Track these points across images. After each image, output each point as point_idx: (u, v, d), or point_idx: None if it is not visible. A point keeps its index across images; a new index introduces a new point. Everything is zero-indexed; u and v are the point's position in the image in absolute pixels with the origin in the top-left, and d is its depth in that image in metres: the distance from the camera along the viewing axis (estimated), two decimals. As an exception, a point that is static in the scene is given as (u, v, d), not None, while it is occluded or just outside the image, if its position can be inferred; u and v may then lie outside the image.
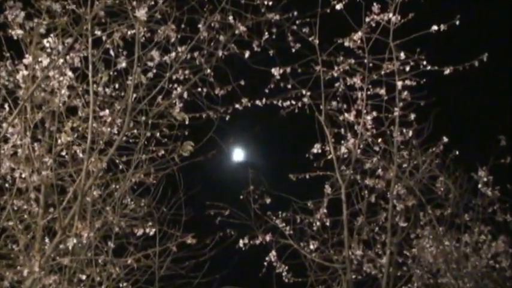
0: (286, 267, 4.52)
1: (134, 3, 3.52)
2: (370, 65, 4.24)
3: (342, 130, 4.40)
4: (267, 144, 5.88)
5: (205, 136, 3.95)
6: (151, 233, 3.74)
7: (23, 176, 3.37)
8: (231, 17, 3.89)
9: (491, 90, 5.99)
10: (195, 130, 4.13)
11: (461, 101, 5.60)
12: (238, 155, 5.26)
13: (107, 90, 3.86)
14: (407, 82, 4.24)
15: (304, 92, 4.39)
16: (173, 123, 3.97)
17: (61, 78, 3.36)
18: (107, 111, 3.58)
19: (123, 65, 3.65)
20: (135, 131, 3.88)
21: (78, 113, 3.72)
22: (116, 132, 3.69)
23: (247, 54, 4.03)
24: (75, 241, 3.13)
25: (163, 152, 3.97)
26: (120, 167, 3.82)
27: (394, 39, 4.12)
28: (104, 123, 3.57)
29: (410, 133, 4.36)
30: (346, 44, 4.18)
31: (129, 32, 3.61)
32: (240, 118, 4.50)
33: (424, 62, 4.16)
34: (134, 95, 3.63)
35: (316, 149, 4.47)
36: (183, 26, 3.78)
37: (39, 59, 3.27)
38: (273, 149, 6.09)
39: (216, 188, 5.38)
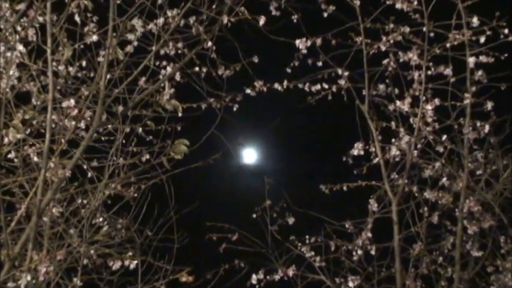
0: (317, 313, 4.57)
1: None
2: (432, 34, 4.21)
3: (393, 124, 4.38)
4: (288, 144, 5.94)
5: (204, 133, 3.96)
6: (132, 266, 3.78)
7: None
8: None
9: None
10: (191, 125, 4.21)
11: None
12: (249, 158, 5.38)
13: (70, 70, 3.88)
14: (483, 58, 4.20)
15: (340, 71, 4.38)
16: (161, 115, 4.00)
17: (8, 54, 3.37)
18: (71, 99, 3.58)
19: (94, 37, 3.67)
20: (110, 126, 3.91)
21: (31, 101, 3.75)
22: (84, 127, 3.74)
23: (262, 20, 4.01)
24: (28, 278, 3.13)
25: (147, 155, 4.00)
26: (90, 175, 3.85)
27: (463, -2, 4.09)
28: (67, 116, 3.59)
29: (487, 128, 4.33)
30: (398, 5, 4.17)
31: (101, -9, 3.66)
32: (253, 108, 4.57)
33: (505, 31, 4.12)
34: (108, 77, 3.68)
35: (357, 150, 4.47)
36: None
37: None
38: (296, 151, 6.12)
39: (219, 203, 5.46)
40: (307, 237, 4.63)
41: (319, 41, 4.29)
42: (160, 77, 4.03)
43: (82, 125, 3.71)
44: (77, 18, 3.66)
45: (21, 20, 3.53)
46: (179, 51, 4.06)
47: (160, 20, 3.84)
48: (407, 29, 4.24)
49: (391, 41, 4.28)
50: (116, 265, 3.81)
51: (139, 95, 3.87)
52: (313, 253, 4.58)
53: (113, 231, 4.00)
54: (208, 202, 4.67)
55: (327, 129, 5.64)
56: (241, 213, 4.81)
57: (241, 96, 4.34)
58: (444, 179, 4.41)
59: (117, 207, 3.97)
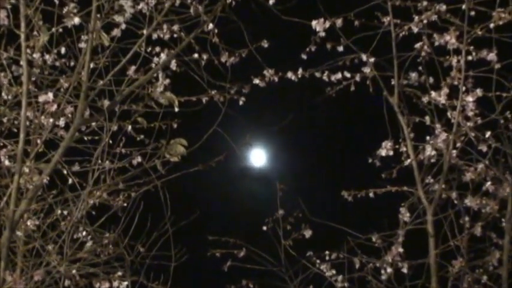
0: None
1: None
2: (472, 13, 4.18)
3: (427, 119, 4.36)
4: (303, 144, 6.01)
5: (205, 131, 3.96)
6: (121, 288, 3.79)
7: None
8: None
9: None
10: (189, 122, 4.27)
11: None
12: (258, 160, 5.47)
13: (47, 58, 3.91)
14: (533, 41, 4.18)
15: (364, 57, 4.37)
16: (154, 110, 4.02)
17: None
18: (49, 92, 3.56)
19: (75, 19, 3.65)
20: (94, 123, 3.92)
21: (1, 95, 3.80)
22: (64, 125, 3.79)
23: (272, -2, 4.04)
24: (0, 302, 3.16)
25: (138, 157, 4.04)
26: (71, 181, 3.88)
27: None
28: (43, 112, 3.59)
29: (538, 124, 4.33)
30: (432, -22, 4.17)
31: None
32: (262, 102, 4.64)
33: (562, 9, 4.09)
34: (92, 66, 3.68)
35: (385, 150, 4.45)
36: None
37: None
38: (313, 151, 6.17)
39: (223, 214, 5.56)
40: (327, 253, 4.63)
41: (339, 22, 4.29)
42: (153, 65, 4.04)
43: (61, 122, 3.76)
44: (55, -3, 3.66)
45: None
46: (175, 35, 4.08)
47: (153, -1, 3.85)
48: (444, 7, 4.22)
49: (425, 22, 4.26)
50: (103, 287, 3.85)
51: (128, 87, 3.85)
52: (334, 272, 4.59)
53: (99, 247, 4.02)
54: (210, 212, 4.79)
55: (349, 126, 5.69)
56: (249, 225, 4.88)
57: (249, 88, 4.35)
58: (488, 184, 4.37)
59: (103, 219, 3.98)
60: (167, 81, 4.04)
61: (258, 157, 5.47)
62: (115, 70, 3.78)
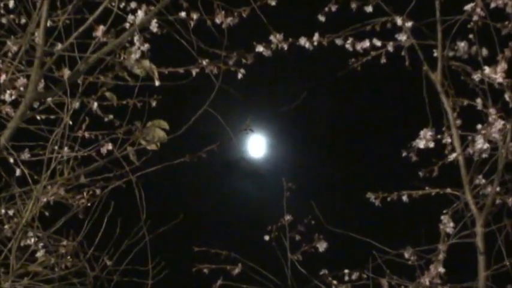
0: None
1: None
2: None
3: (479, 102, 4.32)
4: (318, 131, 6.09)
5: (193, 112, 3.96)
6: (83, 312, 3.86)
7: None
8: None
9: None
10: (172, 99, 4.35)
11: None
12: (259, 150, 5.59)
13: None
14: None
15: (399, 21, 4.31)
16: (128, 83, 4.04)
17: None
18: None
19: None
20: (50, 99, 4.01)
21: None
22: (11, 101, 3.85)
23: None
24: None
25: (107, 144, 4.04)
26: (19, 172, 3.99)
27: None
28: None
29: None
30: None
31: None
32: (266, 76, 4.70)
33: None
34: (49, 25, 3.76)
35: (424, 141, 4.38)
36: None
37: None
38: (329, 140, 6.21)
39: (214, 218, 5.55)
40: (346, 271, 4.64)
41: (364, -25, 4.31)
42: (127, 25, 3.98)
43: (9, 97, 3.78)
44: None
45: None
46: (155, -12, 4.08)
47: None
48: (499, -44, 4.22)
49: (474, -24, 4.27)
50: (59, 309, 3.88)
51: (95, 53, 3.88)
52: (356, 295, 4.63)
53: (54, 258, 4.01)
54: (197, 216, 4.85)
55: (377, 109, 5.68)
56: (246, 233, 4.94)
57: (251, 58, 4.27)
58: (555, 187, 4.40)
59: (60, 223, 3.99)
60: (145, 46, 4.00)
61: (259, 146, 5.60)
62: (79, 31, 3.80)
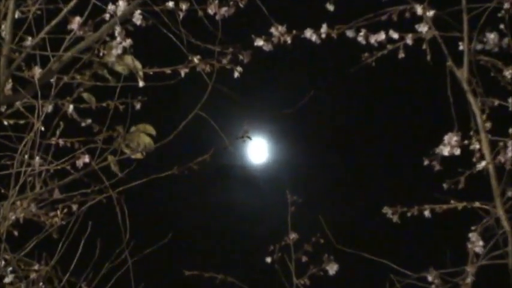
0: None
1: None
2: None
3: (511, 102, 4.31)
4: (324, 135, 6.11)
5: (183, 116, 3.95)
6: None
7: None
8: None
9: None
10: (159, 101, 4.35)
11: None
12: (258, 156, 5.70)
13: None
14: None
15: (420, 10, 4.24)
16: (108, 84, 4.02)
17: None
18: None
19: None
20: (19, 102, 3.99)
21: None
22: None
23: None
24: None
25: (85, 156, 4.02)
26: None
27: None
28: None
29: None
30: None
31: None
32: (267, 74, 4.68)
33: None
34: (16, 17, 3.76)
35: (449, 146, 4.33)
36: None
37: None
38: (339, 145, 6.25)
39: (207, 236, 5.53)
40: None
41: (379, -45, 4.27)
42: (107, 16, 3.93)
43: None
44: None
45: None
46: (139, -28, 4.07)
47: None
48: None
49: (509, -43, 4.24)
50: None
51: (70, 49, 3.85)
52: (374, 327, 4.60)
53: (24, 284, 4.01)
54: (189, 234, 4.84)
55: (394, 111, 5.69)
56: (245, 254, 4.94)
57: (248, 55, 4.21)
58: None
59: (31, 244, 4.01)
60: (128, 41, 3.94)
61: (259, 153, 5.67)
62: (51, 24, 3.79)
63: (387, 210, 4.52)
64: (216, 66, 4.11)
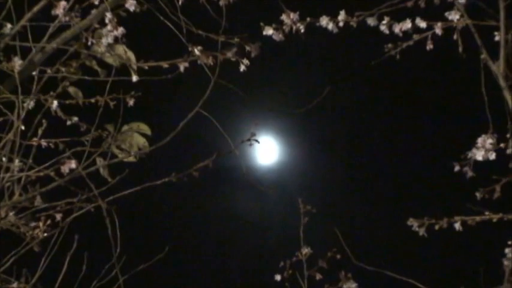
0: None
1: None
2: None
3: None
4: (341, 136, 6.08)
5: (183, 115, 3.90)
6: None
7: None
8: None
9: None
10: (156, 98, 4.35)
11: None
12: (267, 155, 5.69)
13: None
14: None
15: None
16: (97, 78, 4.04)
17: None
18: None
19: None
20: None
21: None
22: None
23: None
24: None
25: (71, 161, 3.97)
26: None
27: None
28: None
29: None
30: None
31: None
32: (276, 68, 4.67)
33: None
34: None
35: (483, 150, 4.28)
36: None
37: None
38: (359, 147, 6.25)
39: (209, 251, 5.53)
40: None
41: None
42: (96, 1, 3.91)
43: None
44: None
45: None
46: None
47: None
48: None
49: None
50: None
51: (54, 38, 3.86)
52: None
53: None
54: (187, 247, 4.83)
55: (420, 109, 5.66)
56: (252, 270, 4.88)
57: (257, 47, 4.15)
58: None
59: (10, 259, 3.97)
60: (120, 30, 3.88)
61: (267, 151, 5.67)
62: (33, 11, 3.81)
63: (413, 222, 4.46)
64: (219, 58, 4.07)
